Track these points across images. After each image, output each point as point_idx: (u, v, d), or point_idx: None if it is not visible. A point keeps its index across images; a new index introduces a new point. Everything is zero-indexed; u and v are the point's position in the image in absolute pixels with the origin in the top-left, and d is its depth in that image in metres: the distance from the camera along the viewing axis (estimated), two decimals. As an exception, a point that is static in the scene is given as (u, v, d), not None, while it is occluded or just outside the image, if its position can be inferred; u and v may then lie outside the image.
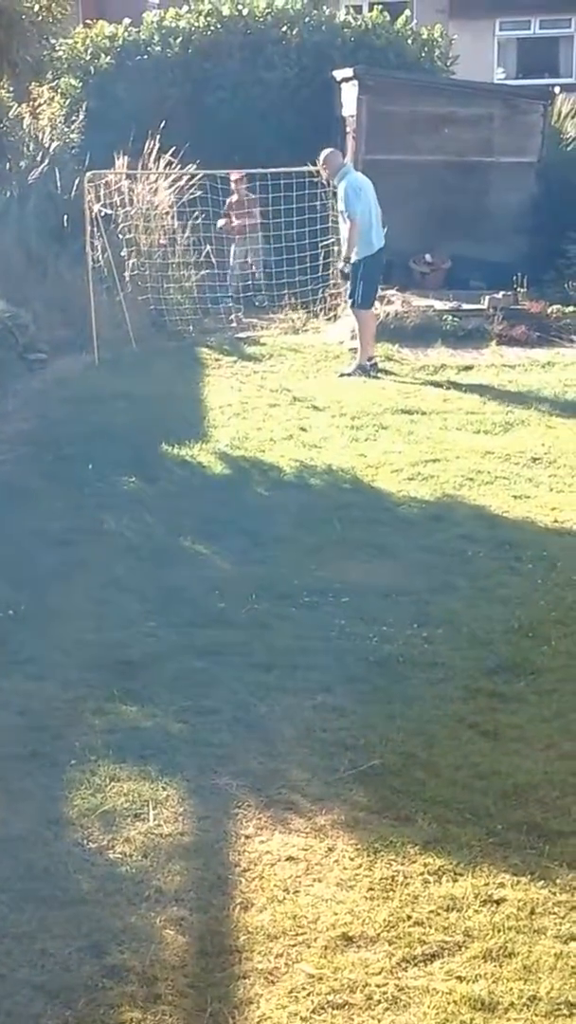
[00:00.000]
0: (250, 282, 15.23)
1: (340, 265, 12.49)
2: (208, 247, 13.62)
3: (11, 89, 14.29)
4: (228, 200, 14.87)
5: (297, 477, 8.99)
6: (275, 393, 11.29)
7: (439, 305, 14.17)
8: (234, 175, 14.71)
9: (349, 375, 12.05)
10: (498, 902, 4.25)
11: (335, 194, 12.49)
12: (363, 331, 12.29)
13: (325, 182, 12.93)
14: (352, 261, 12.07)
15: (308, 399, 11.13)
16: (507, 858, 4.49)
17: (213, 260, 13.63)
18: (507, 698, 5.72)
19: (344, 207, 12.04)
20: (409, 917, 4.17)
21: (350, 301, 12.38)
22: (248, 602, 6.74)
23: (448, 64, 17.89)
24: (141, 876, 4.38)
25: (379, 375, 12.17)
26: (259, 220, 14.95)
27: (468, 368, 12.42)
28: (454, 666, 6.01)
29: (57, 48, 14.50)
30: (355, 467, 9.11)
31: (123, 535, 7.83)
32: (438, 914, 4.19)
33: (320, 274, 14.17)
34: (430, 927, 4.12)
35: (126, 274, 13.55)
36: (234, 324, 14.03)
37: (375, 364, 12.33)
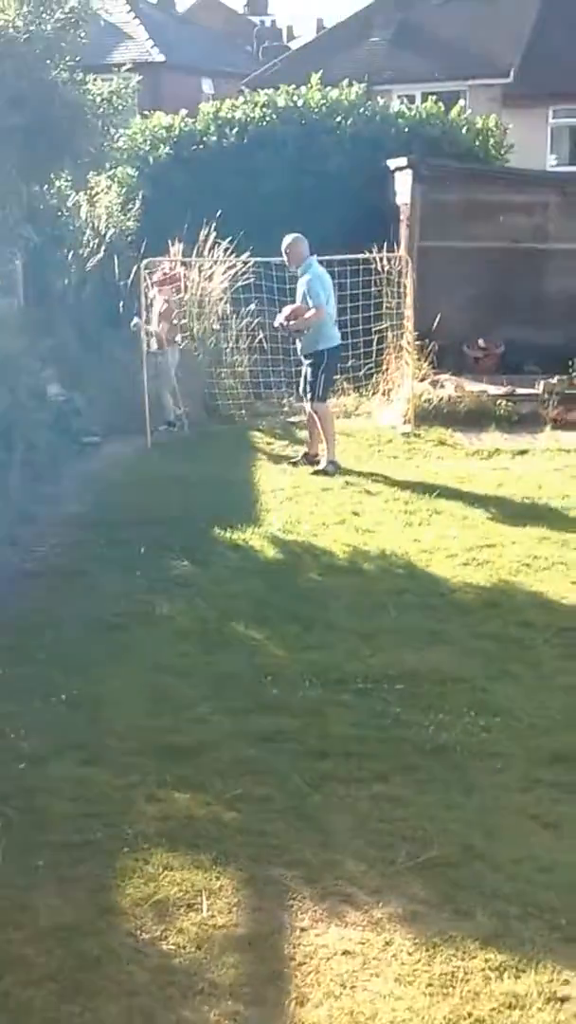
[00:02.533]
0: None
1: (278, 321, 11.88)
2: (261, 333, 13.70)
3: (69, 178, 14.53)
4: (159, 309, 13.31)
5: (350, 562, 8.94)
6: (328, 477, 11.27)
7: (493, 390, 14.15)
8: (157, 275, 13.53)
9: (326, 473, 11.46)
10: (562, 1000, 4.14)
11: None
12: (327, 426, 11.81)
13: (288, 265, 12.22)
14: (314, 352, 11.65)
15: (360, 483, 11.11)
16: (571, 954, 4.37)
17: (266, 346, 13.70)
18: (568, 789, 5.59)
19: (309, 297, 11.56)
20: (470, 1015, 4.06)
21: (309, 396, 11.77)
22: (302, 688, 6.67)
23: (503, 152, 18.05)
24: (195, 968, 4.30)
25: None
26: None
27: (523, 452, 12.36)
28: (513, 756, 5.90)
29: (116, 139, 14.73)
30: (409, 552, 9.05)
31: (175, 619, 7.80)
32: (500, 1012, 4.07)
33: (374, 359, 14.21)
34: (492, 1026, 4.00)
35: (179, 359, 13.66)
36: (286, 408, 14.07)
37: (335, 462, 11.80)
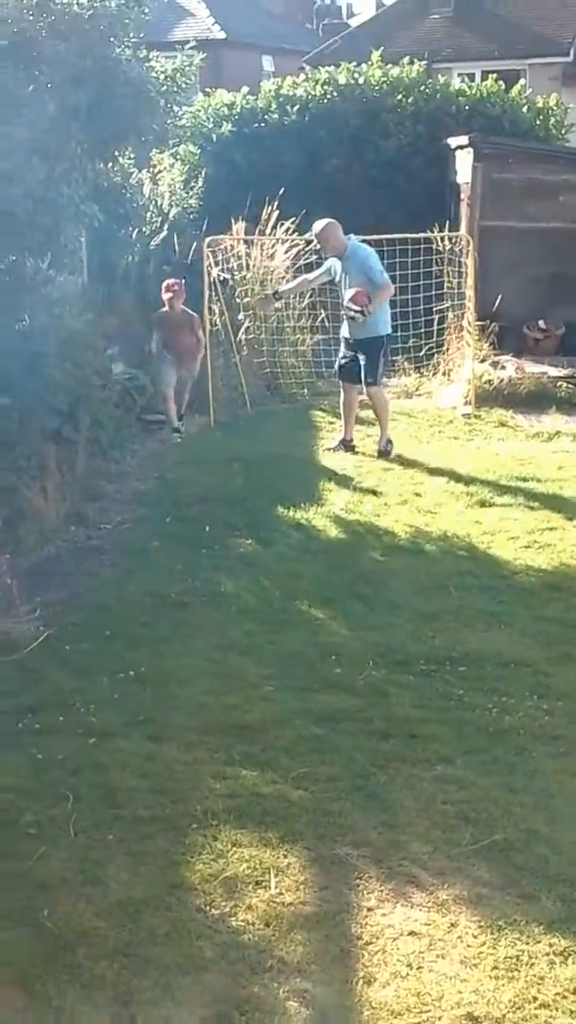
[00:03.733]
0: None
1: (354, 309, 11.03)
2: (323, 312, 13.71)
3: (133, 156, 14.58)
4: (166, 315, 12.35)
5: (412, 543, 8.97)
6: (386, 459, 11.29)
7: (553, 371, 14.09)
8: (169, 285, 12.34)
9: (387, 453, 11.37)
10: (628, 986, 4.16)
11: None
12: (384, 411, 11.54)
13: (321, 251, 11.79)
14: (375, 337, 11.26)
15: (422, 464, 11.12)
16: None
17: (328, 324, 13.73)
18: (632, 774, 5.62)
19: (373, 275, 11.07)
20: (535, 999, 4.10)
21: (367, 380, 11.34)
22: (365, 668, 6.72)
23: (563, 132, 17.93)
24: (264, 945, 4.37)
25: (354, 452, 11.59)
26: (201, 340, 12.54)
27: (583, 435, 12.31)
28: (576, 740, 5.93)
29: (179, 116, 14.77)
30: (470, 534, 9.07)
31: (240, 597, 7.87)
32: (565, 997, 4.12)
33: (435, 339, 14.20)
34: (557, 1010, 4.05)
35: (242, 337, 13.71)
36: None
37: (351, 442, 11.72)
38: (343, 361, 11.64)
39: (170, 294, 12.14)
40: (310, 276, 11.94)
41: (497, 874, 4.83)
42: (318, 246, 11.79)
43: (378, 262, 11.29)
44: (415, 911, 4.61)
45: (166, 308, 12.23)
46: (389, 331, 11.57)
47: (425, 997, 4.12)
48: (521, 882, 4.77)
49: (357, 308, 10.98)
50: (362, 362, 11.30)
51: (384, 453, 11.36)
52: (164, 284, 12.38)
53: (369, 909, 4.62)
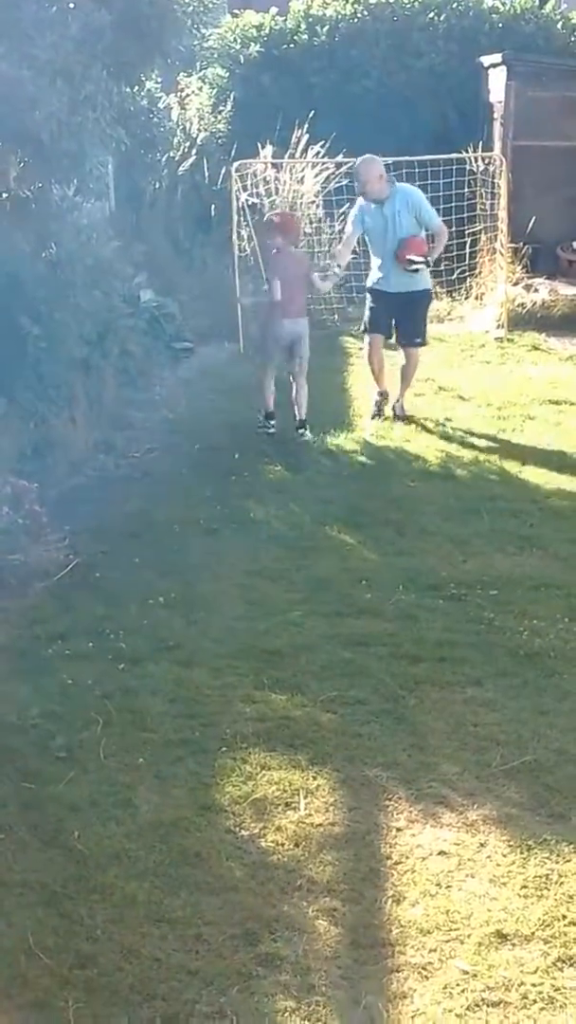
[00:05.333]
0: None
1: (416, 263, 9.91)
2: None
3: (160, 80, 14.39)
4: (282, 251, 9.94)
5: (443, 468, 8.92)
6: (420, 382, 11.18)
7: (587, 294, 13.95)
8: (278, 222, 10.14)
9: (407, 418, 10.20)
10: None
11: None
12: (416, 369, 10.49)
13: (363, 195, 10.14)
14: (426, 290, 10.35)
15: (453, 389, 11.04)
16: None
17: (358, 249, 13.57)
18: None
19: (427, 218, 10.05)
20: (564, 917, 4.10)
21: (419, 341, 10.38)
22: (395, 593, 6.70)
23: (598, 49, 17.55)
24: (293, 865, 4.39)
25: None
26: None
27: (618, 358, 12.19)
28: (607, 662, 5.90)
29: (207, 38, 14.57)
30: (502, 458, 9.01)
31: (269, 524, 7.86)
32: (595, 914, 4.12)
33: (467, 262, 14.03)
34: (586, 927, 4.05)
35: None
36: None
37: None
38: (375, 316, 10.24)
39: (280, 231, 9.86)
40: (349, 240, 10.36)
41: (527, 794, 4.82)
42: (357, 184, 10.23)
43: (430, 205, 10.24)
44: (444, 831, 4.61)
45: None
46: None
47: (454, 915, 4.12)
48: (551, 802, 4.76)
49: (422, 259, 9.94)
50: (407, 319, 10.23)
51: (402, 417, 10.22)
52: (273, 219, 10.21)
53: (398, 829, 4.63)
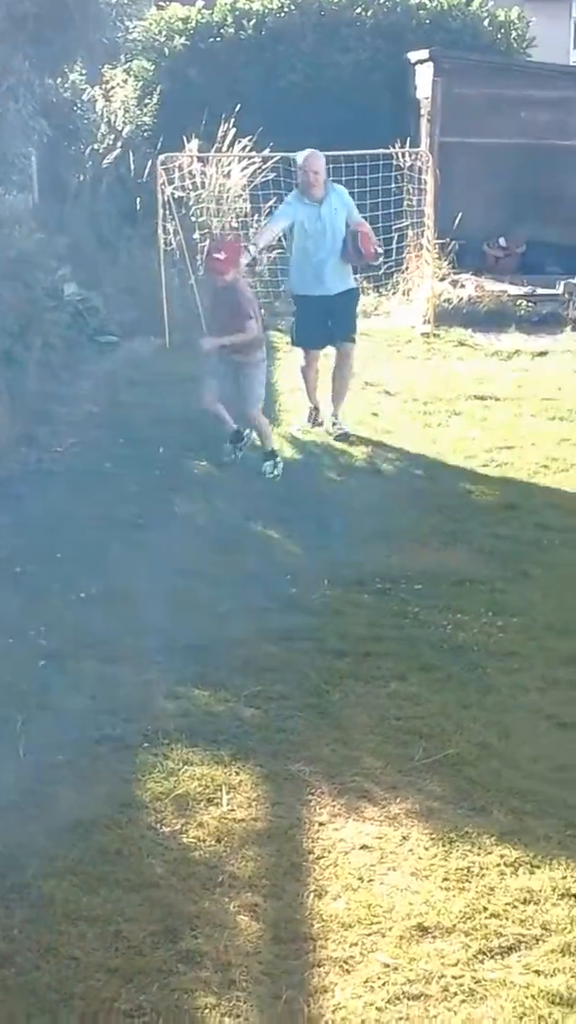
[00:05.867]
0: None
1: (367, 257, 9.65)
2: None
3: (84, 72, 14.28)
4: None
5: (369, 463, 8.93)
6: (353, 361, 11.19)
7: (513, 290, 14.02)
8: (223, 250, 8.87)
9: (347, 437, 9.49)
10: (576, 896, 4.18)
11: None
12: (352, 372, 10.08)
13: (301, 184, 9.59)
14: (354, 287, 9.92)
15: (380, 384, 11.05)
16: (585, 851, 4.42)
17: (285, 243, 13.56)
18: (584, 689, 5.63)
19: (355, 212, 9.70)
20: (485, 909, 4.11)
21: (354, 336, 9.94)
22: (320, 588, 6.70)
23: (524, 46, 17.67)
24: (215, 861, 4.36)
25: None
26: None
27: (543, 354, 12.27)
28: (530, 656, 5.94)
29: (131, 30, 14.44)
30: (427, 454, 9.04)
31: (194, 519, 7.82)
32: (515, 907, 4.12)
33: (394, 258, 14.04)
34: (507, 919, 4.06)
35: (198, 257, 13.50)
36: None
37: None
38: (310, 327, 9.69)
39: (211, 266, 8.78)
40: (275, 226, 9.86)
41: (449, 788, 4.83)
42: (302, 176, 9.52)
43: None
44: (367, 825, 4.60)
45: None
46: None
47: (376, 909, 4.12)
48: (473, 795, 4.77)
49: (378, 250, 9.82)
50: (345, 317, 9.76)
51: (344, 437, 9.49)
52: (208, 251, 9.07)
53: (321, 824, 4.61)
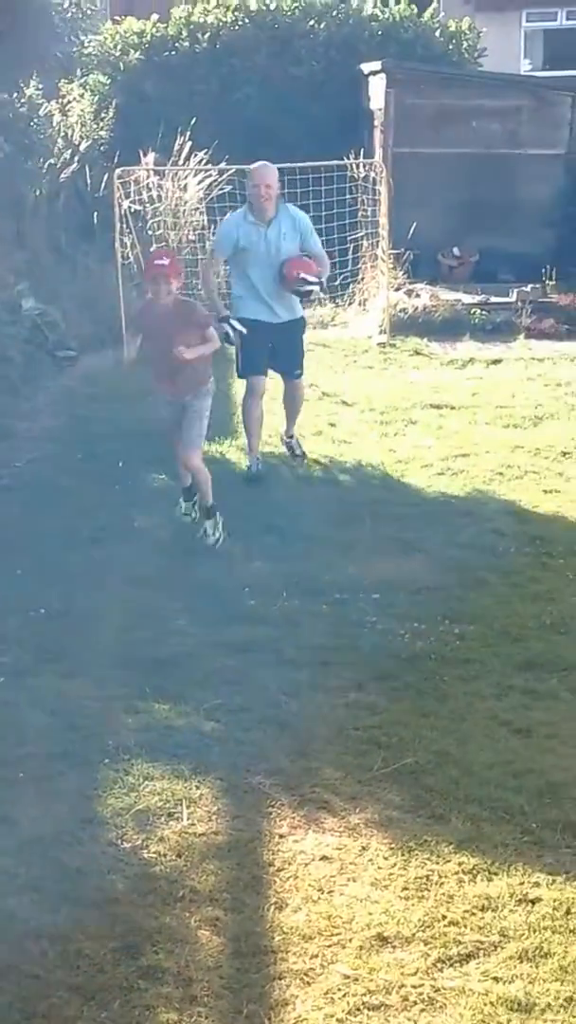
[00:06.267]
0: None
1: (310, 285, 8.73)
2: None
3: (40, 86, 14.28)
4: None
5: (326, 473, 8.99)
6: (304, 388, 11.23)
7: (467, 299, 14.11)
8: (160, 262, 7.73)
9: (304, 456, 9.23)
10: (533, 902, 4.23)
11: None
12: (302, 402, 9.48)
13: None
14: (302, 316, 9.19)
15: (336, 394, 11.10)
16: (542, 857, 4.47)
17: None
18: (540, 695, 5.69)
19: (312, 240, 8.95)
20: (444, 917, 4.15)
21: (299, 373, 9.21)
22: (279, 599, 6.74)
23: (476, 56, 17.82)
24: (176, 876, 4.38)
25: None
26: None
27: (497, 362, 12.35)
28: (486, 663, 5.99)
29: (86, 44, 14.48)
30: (384, 463, 9.09)
31: (153, 532, 7.84)
32: (473, 914, 4.16)
33: (350, 268, 14.11)
34: (465, 927, 4.10)
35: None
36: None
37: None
38: (252, 354, 8.86)
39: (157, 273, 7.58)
40: (213, 255, 9.13)
41: (408, 797, 4.87)
42: (255, 190, 8.66)
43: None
44: (327, 836, 4.64)
45: (149, 296, 7.93)
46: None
47: (336, 920, 4.15)
48: (431, 804, 4.81)
49: (316, 279, 8.73)
50: (290, 350, 9.09)
51: (300, 454, 9.28)
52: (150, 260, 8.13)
53: (281, 836, 4.64)
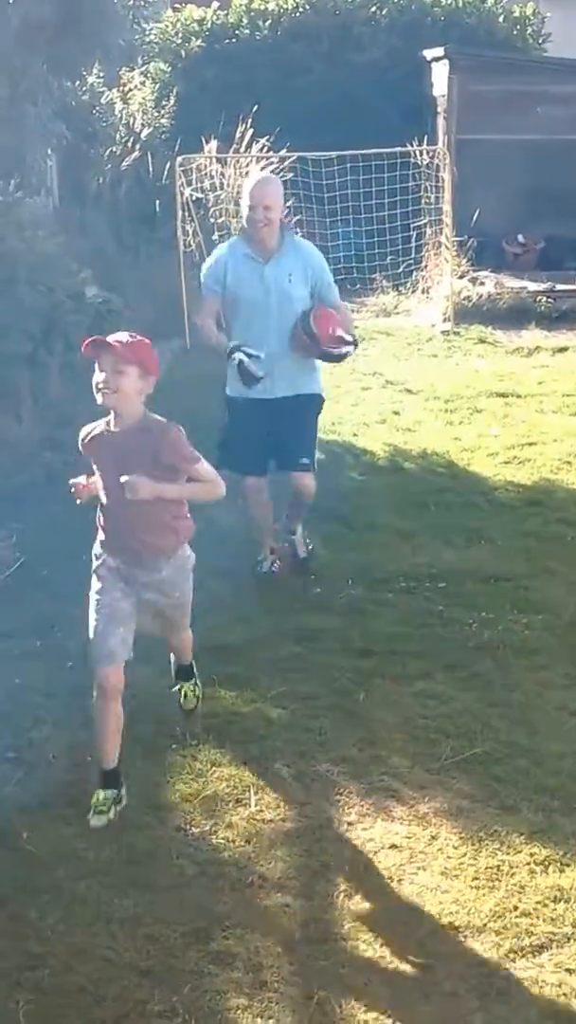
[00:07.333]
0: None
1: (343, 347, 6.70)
2: (299, 230, 13.54)
3: (102, 75, 14.31)
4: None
5: (391, 461, 8.94)
6: (367, 376, 11.21)
7: (532, 286, 14.00)
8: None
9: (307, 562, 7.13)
10: (607, 893, 4.17)
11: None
12: (311, 499, 7.02)
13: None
14: (319, 392, 7.01)
15: (401, 382, 11.05)
16: (615, 849, 4.41)
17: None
18: (610, 685, 5.63)
19: (331, 289, 6.78)
20: (516, 908, 4.11)
21: (306, 462, 6.80)
22: (344, 588, 6.71)
23: (540, 42, 17.67)
24: (244, 862, 4.37)
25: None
26: None
27: (563, 350, 12.25)
28: (555, 653, 5.94)
29: (147, 32, 14.47)
30: (450, 451, 9.03)
31: (217, 520, 7.80)
32: (545, 905, 4.12)
33: (413, 256, 14.05)
34: (537, 918, 4.06)
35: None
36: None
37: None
38: (245, 444, 6.80)
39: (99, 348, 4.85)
40: (206, 300, 6.84)
41: (477, 786, 4.83)
42: (253, 215, 6.43)
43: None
44: (395, 825, 4.61)
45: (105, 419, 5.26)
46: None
47: (406, 908, 4.13)
48: (501, 793, 4.77)
49: (351, 338, 6.76)
50: (294, 434, 6.82)
51: (309, 559, 7.19)
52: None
53: (349, 824, 4.62)
